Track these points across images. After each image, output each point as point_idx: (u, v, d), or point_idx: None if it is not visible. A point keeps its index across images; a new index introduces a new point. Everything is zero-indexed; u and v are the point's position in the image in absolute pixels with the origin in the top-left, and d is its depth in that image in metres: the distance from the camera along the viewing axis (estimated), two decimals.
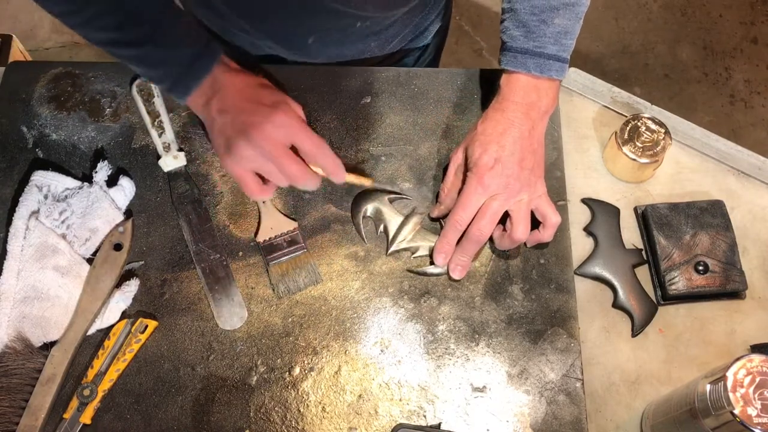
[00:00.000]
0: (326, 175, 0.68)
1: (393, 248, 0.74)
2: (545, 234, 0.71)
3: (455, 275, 0.72)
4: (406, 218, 0.75)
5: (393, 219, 0.75)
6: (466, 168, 0.72)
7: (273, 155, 0.64)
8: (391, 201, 0.76)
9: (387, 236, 0.74)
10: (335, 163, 0.67)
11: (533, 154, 0.70)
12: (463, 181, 0.72)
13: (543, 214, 0.70)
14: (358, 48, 0.87)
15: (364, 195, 0.76)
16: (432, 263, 0.73)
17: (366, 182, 0.74)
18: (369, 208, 0.76)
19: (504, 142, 0.69)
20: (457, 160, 0.73)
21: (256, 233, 0.74)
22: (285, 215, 0.75)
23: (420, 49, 0.97)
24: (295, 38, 0.84)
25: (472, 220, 0.70)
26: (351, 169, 0.74)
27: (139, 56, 0.67)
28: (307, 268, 0.73)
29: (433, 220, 0.76)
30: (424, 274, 0.73)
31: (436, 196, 0.76)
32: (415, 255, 0.74)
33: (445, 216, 0.74)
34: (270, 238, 0.74)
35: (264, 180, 0.67)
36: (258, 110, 0.64)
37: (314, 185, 0.67)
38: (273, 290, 0.72)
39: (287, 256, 0.73)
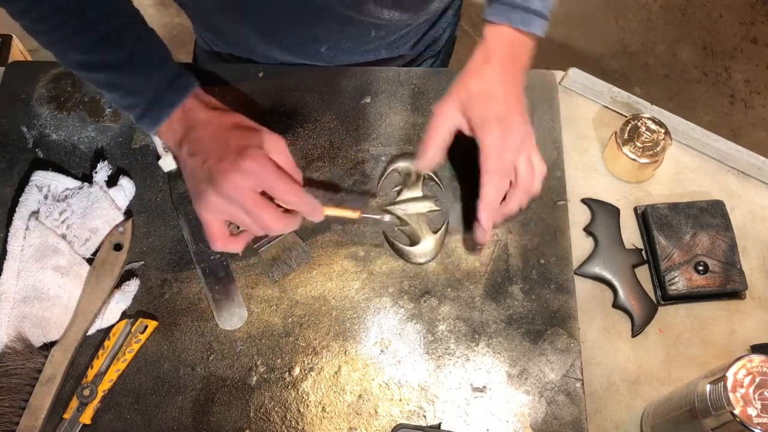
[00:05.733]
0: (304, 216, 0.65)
1: (388, 205, 0.76)
2: (536, 183, 0.69)
3: (486, 225, 0.69)
4: (425, 198, 0.76)
5: (414, 188, 0.76)
6: (470, 126, 0.69)
7: (244, 205, 0.59)
8: (425, 178, 0.77)
9: (396, 195, 0.76)
10: (311, 205, 0.63)
11: (522, 101, 0.70)
12: (460, 140, 0.71)
13: (534, 163, 0.70)
14: (369, 57, 0.88)
15: (410, 155, 0.78)
16: (413, 244, 0.74)
17: (353, 215, 0.70)
18: (402, 165, 0.77)
19: (499, 94, 0.69)
20: (444, 115, 0.70)
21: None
22: None
23: (431, 58, 0.97)
24: (308, 47, 0.84)
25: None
26: (338, 203, 0.74)
27: (110, 81, 0.64)
28: (296, 248, 0.73)
29: (417, 175, 0.77)
30: (398, 250, 0.74)
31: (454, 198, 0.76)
32: (398, 227, 0.75)
33: (430, 169, 0.74)
34: None
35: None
36: (226, 156, 0.60)
37: (293, 227, 0.63)
38: (269, 276, 0.72)
39: (274, 240, 0.73)
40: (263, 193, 0.61)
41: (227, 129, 0.62)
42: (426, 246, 0.74)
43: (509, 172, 0.68)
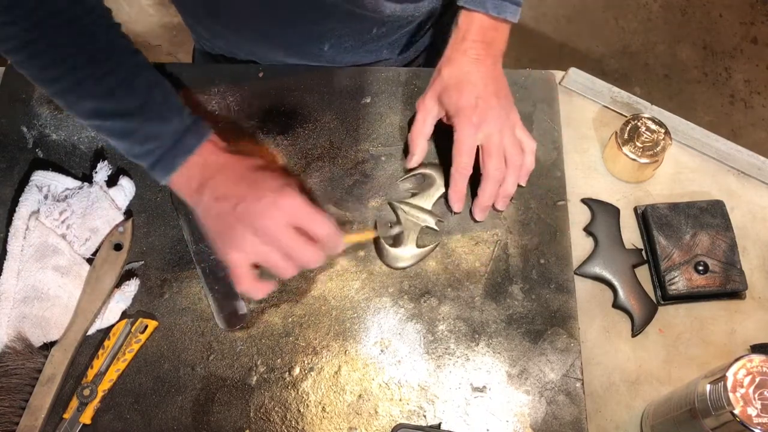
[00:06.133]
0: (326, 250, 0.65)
1: (396, 200, 0.75)
2: (528, 161, 0.73)
3: (480, 217, 0.74)
4: (430, 213, 0.75)
5: (426, 199, 0.76)
6: (447, 116, 0.73)
7: (281, 242, 0.60)
8: (443, 196, 0.76)
9: (409, 196, 0.76)
10: (337, 238, 0.64)
11: (503, 85, 0.73)
12: (439, 128, 0.74)
13: (521, 141, 0.73)
14: (371, 57, 0.88)
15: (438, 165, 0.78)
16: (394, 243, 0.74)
17: (369, 235, 0.74)
18: (429, 172, 0.77)
19: (475, 79, 0.71)
20: (425, 109, 0.73)
21: None
22: None
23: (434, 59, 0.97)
24: (310, 46, 0.84)
25: (484, 161, 0.72)
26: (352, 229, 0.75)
27: (125, 129, 0.63)
28: None
29: (407, 171, 0.77)
30: (377, 244, 0.74)
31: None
32: (391, 223, 0.75)
33: (418, 165, 0.76)
34: None
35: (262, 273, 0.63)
36: (263, 196, 0.60)
37: (322, 262, 0.63)
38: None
39: None
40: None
41: (252, 171, 0.63)
42: (404, 252, 0.73)
43: (470, 164, 0.71)
